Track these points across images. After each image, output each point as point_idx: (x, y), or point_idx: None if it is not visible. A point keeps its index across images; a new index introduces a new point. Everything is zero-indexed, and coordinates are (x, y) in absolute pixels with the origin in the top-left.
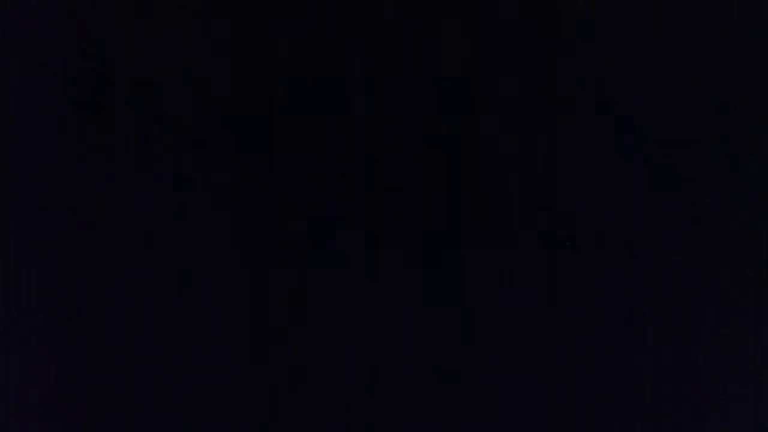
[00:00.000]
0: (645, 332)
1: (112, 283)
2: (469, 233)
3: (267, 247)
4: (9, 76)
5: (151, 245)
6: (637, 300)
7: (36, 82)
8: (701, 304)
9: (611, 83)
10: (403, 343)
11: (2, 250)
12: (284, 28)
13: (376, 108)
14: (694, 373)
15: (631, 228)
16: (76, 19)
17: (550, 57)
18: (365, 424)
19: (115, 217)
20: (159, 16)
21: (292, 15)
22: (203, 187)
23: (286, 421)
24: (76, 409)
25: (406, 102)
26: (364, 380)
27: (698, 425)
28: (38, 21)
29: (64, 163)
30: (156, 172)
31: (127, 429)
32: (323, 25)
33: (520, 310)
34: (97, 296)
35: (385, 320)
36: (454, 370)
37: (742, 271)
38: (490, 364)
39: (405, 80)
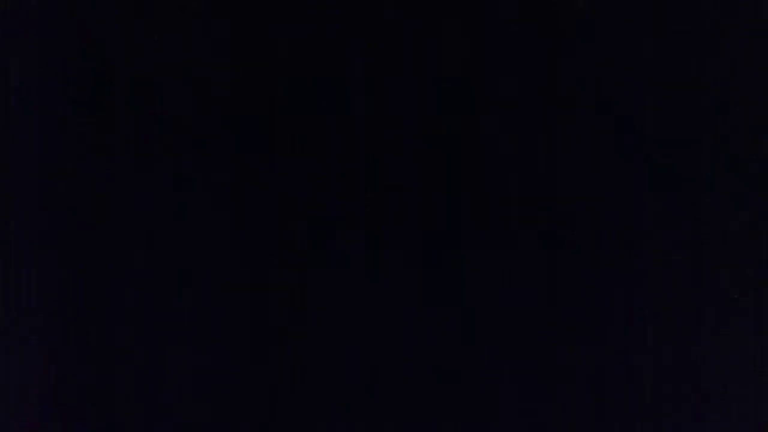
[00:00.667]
0: (645, 332)
1: (112, 283)
2: (469, 233)
3: (267, 247)
4: (9, 76)
5: (151, 245)
6: (637, 300)
7: (36, 82)
8: (701, 304)
9: (611, 83)
10: (403, 343)
11: (2, 250)
12: (284, 28)
13: (376, 108)
14: (694, 373)
15: (631, 228)
16: (76, 19)
17: (550, 57)
18: (365, 424)
19: (115, 217)
20: (159, 16)
21: (292, 15)
22: (203, 187)
23: (286, 421)
24: (76, 409)
25: (406, 102)
26: (364, 380)
27: (698, 425)
28: (38, 21)
29: (64, 163)
30: (156, 172)
31: (127, 429)
32: (323, 25)
33: (520, 310)
34: (97, 296)
35: (385, 320)
36: (454, 370)
37: (742, 271)
38: (490, 364)
39: (405, 80)
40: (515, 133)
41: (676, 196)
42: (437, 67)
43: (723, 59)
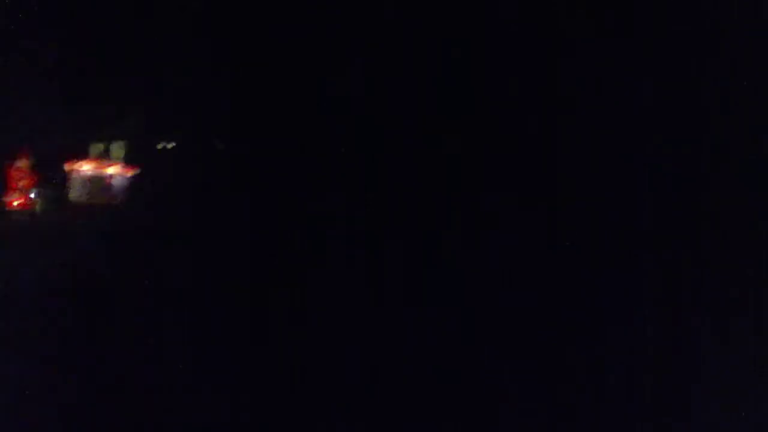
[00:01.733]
0: (645, 332)
1: (112, 283)
2: (469, 233)
3: (267, 247)
4: (9, 76)
5: (151, 245)
6: (637, 300)
7: (36, 81)
8: (701, 304)
9: (611, 83)
10: (403, 343)
11: (2, 250)
12: (284, 28)
13: (376, 108)
14: (694, 373)
15: (631, 228)
16: (75, 19)
17: (550, 57)
18: (365, 424)
19: (115, 217)
20: (159, 16)
21: (292, 15)
22: (203, 187)
23: (286, 421)
24: (76, 409)
25: (406, 102)
26: (365, 380)
27: (698, 425)
28: (38, 21)
29: (64, 163)
30: (156, 172)
31: (127, 429)
32: (323, 25)
33: (520, 310)
34: (97, 296)
35: (385, 320)
36: (454, 370)
37: (742, 271)
38: (490, 364)
39: (405, 80)
40: (515, 133)
41: (676, 196)
42: (437, 67)
43: (723, 59)
